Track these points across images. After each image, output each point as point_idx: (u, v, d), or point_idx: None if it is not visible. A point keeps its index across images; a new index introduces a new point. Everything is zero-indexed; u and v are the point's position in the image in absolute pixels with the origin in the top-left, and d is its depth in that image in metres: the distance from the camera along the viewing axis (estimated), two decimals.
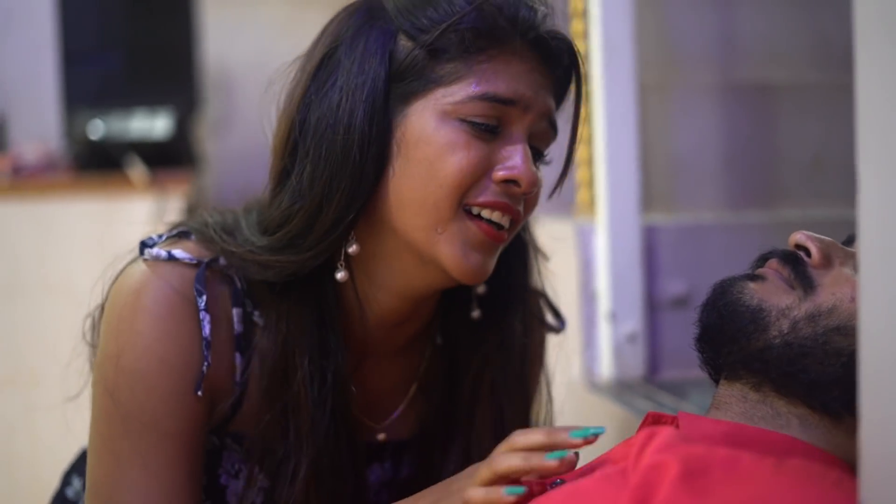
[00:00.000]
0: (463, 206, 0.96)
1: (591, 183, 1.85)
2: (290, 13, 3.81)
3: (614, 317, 1.67)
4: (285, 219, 0.98)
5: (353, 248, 0.99)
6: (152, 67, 3.19)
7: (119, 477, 0.97)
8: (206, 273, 1.00)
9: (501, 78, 0.95)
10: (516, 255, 1.09)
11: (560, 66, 1.00)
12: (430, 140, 0.95)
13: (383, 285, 1.02)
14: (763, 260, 0.99)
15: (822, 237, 0.95)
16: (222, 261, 1.01)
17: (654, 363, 1.70)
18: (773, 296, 0.93)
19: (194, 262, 1.00)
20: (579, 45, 1.84)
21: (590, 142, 1.85)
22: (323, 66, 0.99)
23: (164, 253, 1.00)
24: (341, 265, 1.00)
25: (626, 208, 1.67)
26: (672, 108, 2.00)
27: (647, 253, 1.69)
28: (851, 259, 0.93)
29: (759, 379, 0.93)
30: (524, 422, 1.14)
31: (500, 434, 1.06)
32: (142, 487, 0.96)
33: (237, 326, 1.02)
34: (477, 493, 0.85)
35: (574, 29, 1.85)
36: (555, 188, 1.04)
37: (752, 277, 0.97)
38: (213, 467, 1.06)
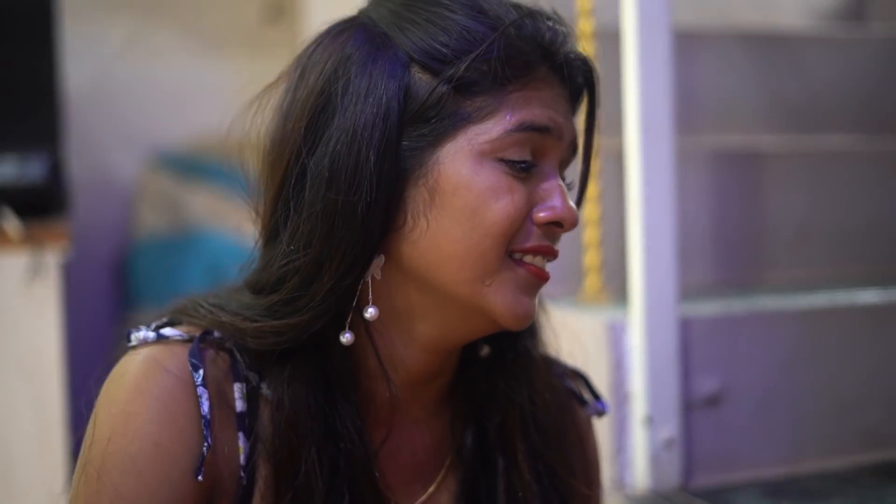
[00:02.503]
0: (507, 253, 0.87)
1: (600, 269, 1.69)
2: (135, 30, 3.51)
3: (651, 421, 1.51)
4: (278, 280, 0.88)
5: (370, 313, 0.88)
6: (10, 99, 2.79)
7: None
8: (201, 346, 0.89)
9: (535, 105, 0.87)
10: None
11: (575, 85, 0.92)
12: (470, 186, 0.85)
13: (413, 342, 0.91)
14: None
15: None
16: (217, 333, 0.91)
17: (689, 469, 1.55)
18: None
19: (186, 337, 0.90)
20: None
21: (599, 223, 1.68)
22: (320, 104, 0.87)
23: (151, 334, 0.91)
24: (347, 326, 0.88)
25: (664, 300, 1.50)
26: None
27: (682, 349, 1.54)
28: None
29: None
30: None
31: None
32: None
33: (239, 404, 0.90)
34: None
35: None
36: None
37: None
38: None
